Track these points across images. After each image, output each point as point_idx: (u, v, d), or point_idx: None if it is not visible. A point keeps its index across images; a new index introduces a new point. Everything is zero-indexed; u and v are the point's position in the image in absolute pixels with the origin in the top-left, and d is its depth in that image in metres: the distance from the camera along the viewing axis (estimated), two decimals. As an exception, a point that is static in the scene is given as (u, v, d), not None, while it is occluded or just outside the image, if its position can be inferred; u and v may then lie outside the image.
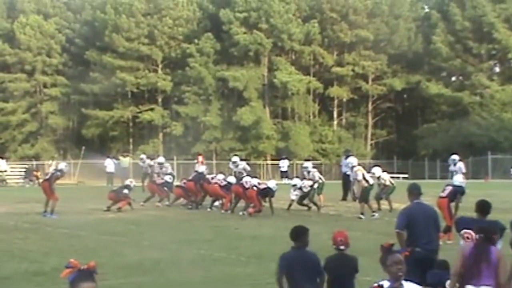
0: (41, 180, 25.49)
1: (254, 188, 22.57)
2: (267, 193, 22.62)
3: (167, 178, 26.33)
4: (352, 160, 26.12)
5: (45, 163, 49.70)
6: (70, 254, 13.63)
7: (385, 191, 23.76)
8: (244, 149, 56.06)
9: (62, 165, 24.43)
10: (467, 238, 9.06)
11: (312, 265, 8.18)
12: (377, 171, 24.25)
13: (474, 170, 50.12)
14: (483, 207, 9.38)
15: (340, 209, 24.00)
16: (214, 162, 54.18)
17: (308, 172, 24.84)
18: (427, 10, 67.13)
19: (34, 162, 51.54)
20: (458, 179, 18.66)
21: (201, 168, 27.51)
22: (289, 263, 8.19)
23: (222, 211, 23.41)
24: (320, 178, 24.63)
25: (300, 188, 23.54)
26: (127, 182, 24.97)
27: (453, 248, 11.61)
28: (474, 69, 59.91)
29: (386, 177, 24.23)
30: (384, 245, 6.36)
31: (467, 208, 18.44)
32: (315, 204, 23.59)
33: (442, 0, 63.84)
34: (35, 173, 45.17)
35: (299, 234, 8.37)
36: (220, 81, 60.06)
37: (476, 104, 59.05)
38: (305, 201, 23.70)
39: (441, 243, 10.59)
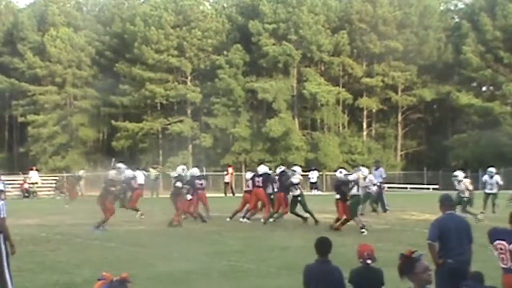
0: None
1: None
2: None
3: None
4: (381, 172, 26.09)
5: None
6: (101, 265, 13.70)
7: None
8: (274, 161, 55.98)
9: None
10: (501, 249, 8.97)
11: (335, 279, 8.11)
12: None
13: (506, 181, 49.53)
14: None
15: (370, 220, 23.84)
16: (243, 173, 54.21)
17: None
18: (457, 20, 66.68)
19: (65, 174, 51.98)
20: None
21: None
22: (313, 276, 8.15)
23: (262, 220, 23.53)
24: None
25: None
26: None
27: (486, 259, 11.47)
28: (505, 79, 59.34)
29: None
30: (406, 253, 6.32)
31: (499, 219, 18.31)
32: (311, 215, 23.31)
33: (472, 10, 63.35)
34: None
35: (325, 246, 8.31)
36: (249, 93, 60.23)
37: (507, 114, 58.47)
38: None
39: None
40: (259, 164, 29.11)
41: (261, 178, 24.14)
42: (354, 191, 21.98)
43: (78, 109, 64.78)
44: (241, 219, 23.75)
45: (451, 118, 66.32)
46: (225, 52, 60.56)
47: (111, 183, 22.43)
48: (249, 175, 25.97)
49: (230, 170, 41.17)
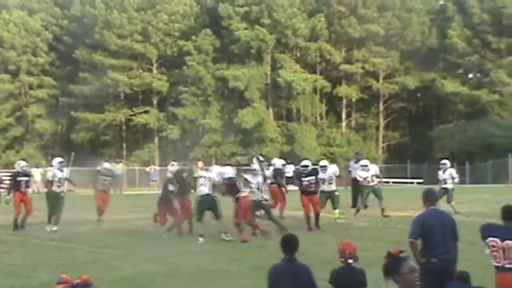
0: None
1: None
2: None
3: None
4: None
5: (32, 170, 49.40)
6: (59, 268, 13.61)
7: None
8: (246, 153, 56.01)
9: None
10: (493, 246, 9.03)
11: (302, 278, 8.13)
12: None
13: (494, 173, 50.12)
14: (508, 212, 9.33)
15: (350, 217, 23.93)
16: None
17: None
18: (442, 2, 67.03)
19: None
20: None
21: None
22: (279, 275, 8.16)
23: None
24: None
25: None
26: None
27: (473, 259, 11.58)
28: (493, 65, 59.84)
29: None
30: (394, 252, 6.33)
31: (487, 214, 18.45)
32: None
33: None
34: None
35: (291, 244, 8.32)
36: (219, 81, 60.16)
37: (495, 103, 58.96)
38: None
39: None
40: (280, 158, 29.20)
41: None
42: (333, 186, 22.18)
43: (34, 99, 64.27)
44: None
45: (436, 108, 66.81)
46: (193, 37, 60.36)
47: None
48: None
49: (200, 164, 41.06)
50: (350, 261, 8.41)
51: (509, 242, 8.78)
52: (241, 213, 19.22)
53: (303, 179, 21.72)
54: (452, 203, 24.61)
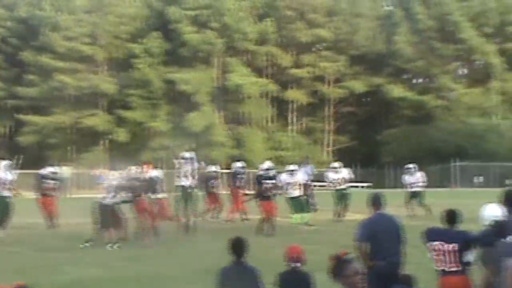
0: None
1: None
2: None
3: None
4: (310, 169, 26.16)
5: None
6: (3, 274, 13.36)
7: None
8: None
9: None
10: (436, 250, 9.08)
11: (250, 280, 8.10)
12: None
13: (439, 178, 50.70)
14: (451, 216, 9.41)
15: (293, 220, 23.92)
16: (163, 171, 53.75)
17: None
18: (389, 8, 67.71)
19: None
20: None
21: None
22: (227, 278, 8.14)
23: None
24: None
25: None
26: None
27: (419, 262, 11.63)
28: (439, 71, 60.64)
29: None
30: (339, 255, 6.30)
31: (432, 218, 18.59)
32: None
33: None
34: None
35: (239, 246, 8.29)
36: (168, 84, 59.83)
37: (441, 108, 59.74)
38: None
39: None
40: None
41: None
42: (296, 192, 22.33)
43: (-22, 102, 63.22)
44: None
45: (383, 112, 67.38)
46: (142, 40, 59.99)
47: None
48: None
49: (146, 168, 40.74)
50: (296, 264, 8.38)
51: (451, 245, 8.84)
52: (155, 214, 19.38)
53: (263, 181, 21.67)
54: (423, 206, 25.03)
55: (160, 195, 20.03)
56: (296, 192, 22.96)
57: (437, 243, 9.02)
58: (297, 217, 23.12)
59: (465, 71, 65.73)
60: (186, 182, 20.81)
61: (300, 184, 23.60)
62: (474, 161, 52.19)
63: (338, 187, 25.23)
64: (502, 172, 51.44)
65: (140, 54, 59.19)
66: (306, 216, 23.11)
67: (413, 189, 26.31)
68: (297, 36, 61.22)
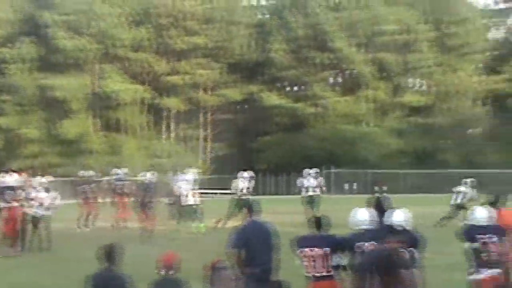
0: None
1: None
2: None
3: None
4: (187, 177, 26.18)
5: None
6: None
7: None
8: (67, 165, 54.66)
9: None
10: (306, 256, 9.23)
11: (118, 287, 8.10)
12: None
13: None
14: (318, 222, 9.62)
15: (173, 229, 23.87)
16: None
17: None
18: (265, 16, 68.43)
19: None
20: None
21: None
22: (97, 285, 8.09)
23: None
24: None
25: None
26: None
27: (293, 268, 11.78)
28: (313, 79, 61.74)
29: None
30: (214, 263, 6.33)
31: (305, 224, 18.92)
32: None
33: (278, 7, 65.48)
34: None
35: (109, 253, 8.24)
36: (41, 90, 58.42)
37: (315, 116, 60.85)
38: None
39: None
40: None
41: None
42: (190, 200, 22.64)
43: None
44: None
45: (259, 120, 67.90)
46: (13, 45, 58.37)
47: None
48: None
49: (16, 176, 39.61)
50: (168, 271, 8.35)
51: (321, 250, 9.04)
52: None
53: (145, 190, 21.62)
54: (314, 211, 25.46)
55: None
56: (190, 200, 23.02)
57: (307, 249, 9.20)
58: (197, 225, 23.22)
59: (338, 79, 67.18)
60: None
61: (194, 193, 23.74)
62: (347, 168, 53.42)
63: (309, 193, 25.93)
64: (373, 179, 52.85)
65: (11, 59, 57.57)
66: (197, 224, 23.22)
67: (309, 193, 26.80)
68: (173, 43, 61.02)
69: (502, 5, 69.34)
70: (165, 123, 64.09)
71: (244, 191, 25.34)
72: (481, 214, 10.43)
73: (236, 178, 25.96)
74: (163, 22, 60.73)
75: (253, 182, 26.73)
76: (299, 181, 28.10)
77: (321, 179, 28.07)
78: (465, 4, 65.32)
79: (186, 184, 25.12)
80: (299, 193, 27.69)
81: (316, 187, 27.35)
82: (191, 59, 62.26)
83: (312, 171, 28.10)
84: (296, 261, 9.42)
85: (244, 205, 25.00)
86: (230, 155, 66.09)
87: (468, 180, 26.24)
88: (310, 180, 27.49)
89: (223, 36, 61.97)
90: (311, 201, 26.62)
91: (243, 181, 25.86)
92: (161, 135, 63.34)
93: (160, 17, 60.68)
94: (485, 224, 10.25)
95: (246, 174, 26.44)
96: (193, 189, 24.74)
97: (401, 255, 8.18)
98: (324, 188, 27.98)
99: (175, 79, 61.14)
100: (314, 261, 9.18)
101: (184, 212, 23.94)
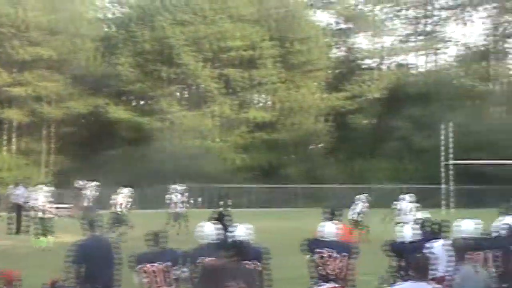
0: None
1: None
2: None
3: None
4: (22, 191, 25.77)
5: None
6: None
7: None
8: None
9: None
10: (145, 272, 9.26)
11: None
12: None
13: (161, 199, 51.36)
14: (156, 238, 9.67)
15: (15, 243, 23.26)
16: None
17: None
18: (111, 29, 67.77)
19: None
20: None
21: None
22: None
23: None
24: None
25: None
26: None
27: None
28: (159, 93, 61.68)
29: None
30: (53, 281, 6.28)
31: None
32: None
33: (124, 20, 65.07)
34: None
35: None
36: None
37: (161, 130, 60.72)
38: None
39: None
40: None
41: None
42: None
43: None
44: None
45: (104, 133, 66.98)
46: None
47: None
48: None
49: None
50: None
51: (162, 265, 9.12)
52: None
53: None
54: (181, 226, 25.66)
55: None
56: (46, 213, 22.67)
57: (148, 265, 9.23)
58: (42, 239, 22.72)
59: (185, 94, 67.44)
60: None
61: (50, 206, 23.38)
62: (193, 182, 53.55)
63: (176, 209, 26.02)
64: (219, 193, 53.41)
65: None
66: (43, 238, 22.74)
67: (177, 210, 27.07)
68: (16, 54, 59.26)
69: (343, 25, 71.94)
70: (6, 135, 62.08)
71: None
72: (328, 228, 10.51)
73: (115, 192, 26.11)
74: (5, 32, 58.87)
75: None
76: (167, 196, 28.39)
77: (186, 195, 28.40)
78: (308, 23, 67.17)
79: (42, 197, 24.65)
80: (151, 207, 28.33)
81: (182, 202, 27.73)
82: (34, 71, 60.65)
83: (179, 186, 28.43)
84: (134, 279, 9.42)
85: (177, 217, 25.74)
86: (73, 169, 64.76)
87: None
88: (178, 196, 27.83)
89: (68, 48, 60.81)
90: (177, 217, 26.98)
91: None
92: (1, 148, 61.26)
93: (1, 26, 58.80)
94: (328, 238, 10.34)
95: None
96: (50, 202, 24.29)
97: (231, 267, 8.26)
98: (188, 205, 28.35)
99: (17, 90, 59.34)
100: (155, 276, 9.22)
101: (36, 224, 23.35)
